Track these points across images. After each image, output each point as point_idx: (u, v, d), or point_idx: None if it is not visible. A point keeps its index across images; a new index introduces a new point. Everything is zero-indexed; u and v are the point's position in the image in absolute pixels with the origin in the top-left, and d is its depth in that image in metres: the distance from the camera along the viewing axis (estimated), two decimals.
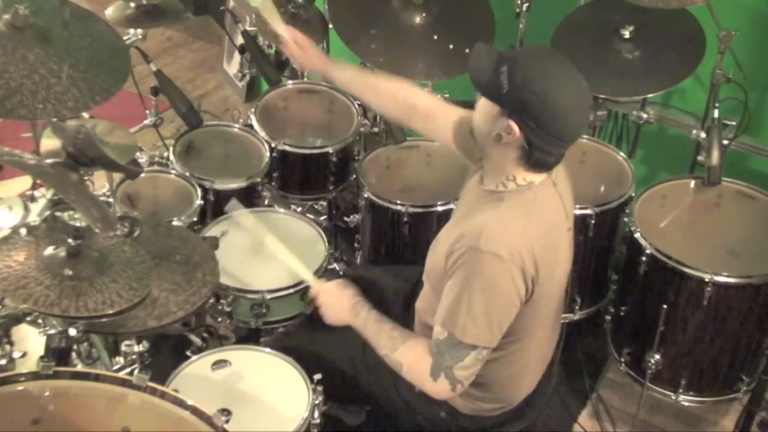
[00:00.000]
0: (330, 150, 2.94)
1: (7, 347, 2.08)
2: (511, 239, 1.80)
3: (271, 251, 2.30)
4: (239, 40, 3.21)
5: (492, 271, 1.80)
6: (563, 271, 1.96)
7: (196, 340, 2.48)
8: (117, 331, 2.04)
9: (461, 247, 1.84)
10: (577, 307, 2.85)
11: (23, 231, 1.94)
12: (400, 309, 2.25)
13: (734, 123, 2.76)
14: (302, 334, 2.59)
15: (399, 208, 2.68)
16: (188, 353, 2.39)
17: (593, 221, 2.65)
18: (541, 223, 1.86)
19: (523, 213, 1.85)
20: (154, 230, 2.28)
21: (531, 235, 1.82)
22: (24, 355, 2.11)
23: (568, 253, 1.97)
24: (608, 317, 2.85)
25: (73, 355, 2.31)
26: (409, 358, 1.95)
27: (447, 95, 2.71)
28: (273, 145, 2.92)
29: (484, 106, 1.86)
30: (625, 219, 2.72)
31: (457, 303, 1.85)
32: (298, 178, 3.01)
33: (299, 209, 3.10)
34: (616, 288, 2.87)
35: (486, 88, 1.84)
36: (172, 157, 2.84)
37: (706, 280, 2.44)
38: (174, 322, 2.08)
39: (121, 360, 2.38)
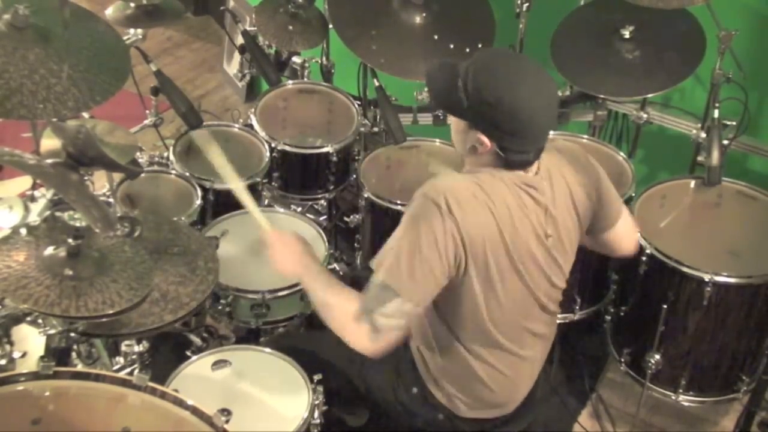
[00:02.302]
0: (330, 150, 2.94)
1: (7, 347, 2.08)
2: (451, 194, 1.79)
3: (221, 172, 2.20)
4: (239, 40, 3.21)
5: (424, 214, 1.80)
6: (520, 264, 1.89)
7: (196, 340, 2.48)
8: (135, 331, 2.05)
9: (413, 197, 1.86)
10: (577, 307, 2.85)
11: (23, 231, 1.94)
12: None
13: (734, 123, 2.76)
14: (302, 334, 2.60)
15: (399, 208, 2.68)
16: (188, 353, 2.39)
17: None
18: (498, 204, 1.83)
19: (479, 186, 1.84)
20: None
21: (475, 205, 1.81)
22: (24, 355, 2.11)
23: (531, 252, 1.90)
24: (608, 317, 2.85)
25: (73, 355, 2.31)
26: (341, 300, 1.90)
27: None
28: (273, 145, 2.92)
29: (454, 122, 1.91)
30: None
31: (389, 242, 1.85)
32: (298, 178, 3.02)
33: (299, 209, 3.09)
34: (616, 288, 2.87)
35: (449, 107, 1.89)
36: (172, 157, 2.84)
37: (706, 280, 2.44)
38: (190, 313, 2.09)
39: (121, 360, 2.39)
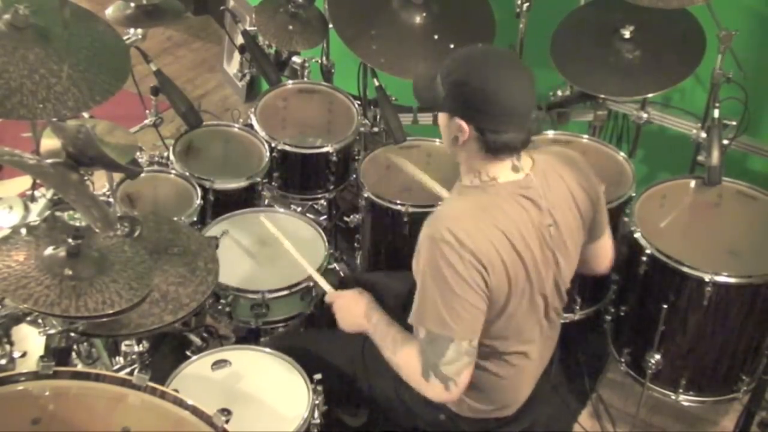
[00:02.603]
0: (330, 150, 2.94)
1: (7, 347, 2.08)
2: (456, 225, 1.81)
3: (292, 257, 2.38)
4: (239, 40, 3.21)
5: (439, 256, 1.81)
6: (534, 272, 1.91)
7: (196, 340, 2.48)
8: (135, 332, 2.05)
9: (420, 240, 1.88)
10: (577, 307, 2.85)
11: (23, 231, 1.94)
12: (399, 312, 2.25)
13: (734, 123, 2.76)
14: (302, 334, 2.60)
15: (399, 208, 2.68)
16: (188, 353, 2.39)
17: None
18: (502, 219, 1.85)
19: (479, 206, 1.87)
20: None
21: (482, 226, 1.82)
22: (24, 355, 2.11)
23: (540, 255, 1.92)
24: (608, 317, 2.85)
25: (73, 355, 2.31)
26: (405, 359, 1.95)
27: None
28: (273, 145, 2.92)
29: (440, 117, 1.96)
30: (626, 219, 2.71)
31: (419, 296, 1.87)
32: (298, 178, 3.01)
33: (299, 209, 3.09)
34: (616, 288, 2.86)
35: (431, 102, 1.96)
36: (172, 157, 2.84)
37: (706, 280, 2.44)
38: (190, 313, 2.10)
39: (121, 360, 2.39)
